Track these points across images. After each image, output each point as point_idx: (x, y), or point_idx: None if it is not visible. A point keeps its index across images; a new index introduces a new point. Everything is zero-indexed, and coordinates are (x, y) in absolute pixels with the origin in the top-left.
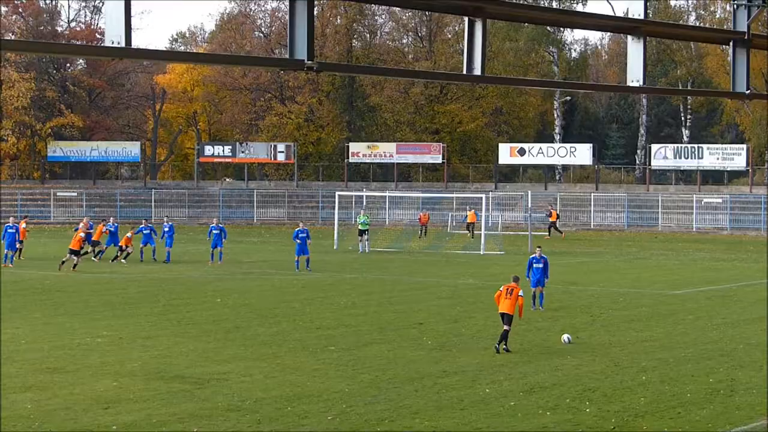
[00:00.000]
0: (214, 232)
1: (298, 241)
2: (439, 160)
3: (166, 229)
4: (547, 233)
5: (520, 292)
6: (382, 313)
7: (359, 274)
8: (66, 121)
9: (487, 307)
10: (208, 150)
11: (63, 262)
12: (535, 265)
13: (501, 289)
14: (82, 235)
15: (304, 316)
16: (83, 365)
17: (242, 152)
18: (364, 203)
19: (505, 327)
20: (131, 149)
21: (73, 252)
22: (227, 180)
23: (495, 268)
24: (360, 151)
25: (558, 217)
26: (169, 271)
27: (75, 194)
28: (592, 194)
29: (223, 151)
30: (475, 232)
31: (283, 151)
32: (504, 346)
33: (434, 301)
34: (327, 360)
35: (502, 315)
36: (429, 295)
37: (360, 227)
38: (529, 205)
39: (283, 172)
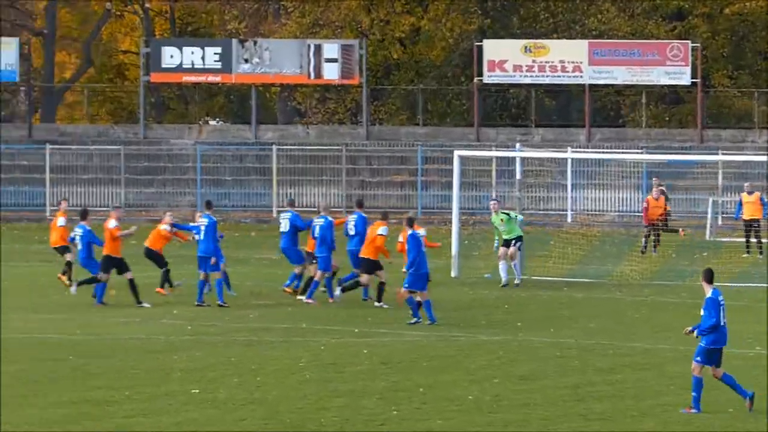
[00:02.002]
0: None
1: None
2: (685, 80)
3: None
4: None
5: None
6: None
7: (509, 333)
8: None
9: None
10: (169, 55)
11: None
12: None
13: None
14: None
15: None
16: None
17: (244, 59)
18: (518, 178)
19: None
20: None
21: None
22: (210, 122)
23: None
24: (504, 59)
25: None
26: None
27: None
28: None
29: (203, 57)
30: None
31: (335, 59)
32: None
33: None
34: None
35: None
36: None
37: (505, 235)
38: None
39: (331, 106)
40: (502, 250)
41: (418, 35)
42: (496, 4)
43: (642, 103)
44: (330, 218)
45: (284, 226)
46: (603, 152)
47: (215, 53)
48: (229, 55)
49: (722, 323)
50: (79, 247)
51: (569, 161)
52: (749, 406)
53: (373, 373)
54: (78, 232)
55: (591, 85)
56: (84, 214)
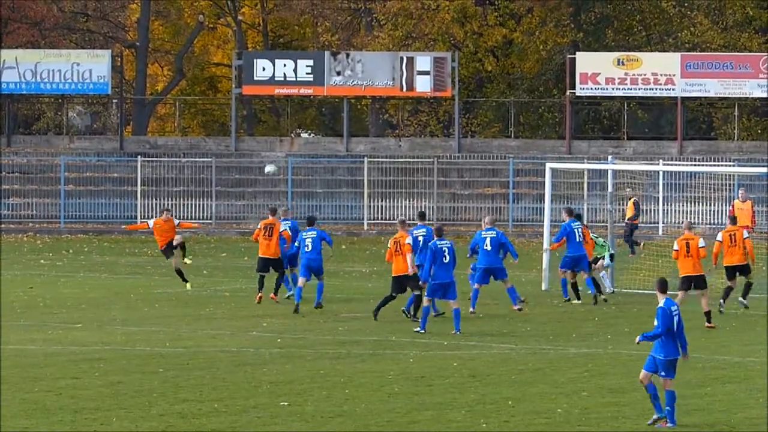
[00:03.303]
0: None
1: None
2: None
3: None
4: None
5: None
6: None
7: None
8: None
9: None
10: (261, 68)
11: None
12: None
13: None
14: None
15: None
16: None
17: (336, 72)
18: (610, 191)
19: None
20: (92, 67)
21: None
22: (302, 134)
23: None
24: (596, 72)
25: None
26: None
27: None
28: None
29: (296, 69)
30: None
31: (427, 71)
32: None
33: None
34: None
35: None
36: None
37: (602, 250)
38: None
39: (423, 118)
40: (599, 263)
41: (510, 48)
42: (589, 17)
43: (734, 116)
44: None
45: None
46: (695, 165)
47: (307, 66)
48: (321, 67)
49: (675, 333)
50: (309, 249)
51: (661, 174)
52: (660, 423)
53: (461, 386)
54: (310, 234)
55: (683, 98)
56: (311, 221)
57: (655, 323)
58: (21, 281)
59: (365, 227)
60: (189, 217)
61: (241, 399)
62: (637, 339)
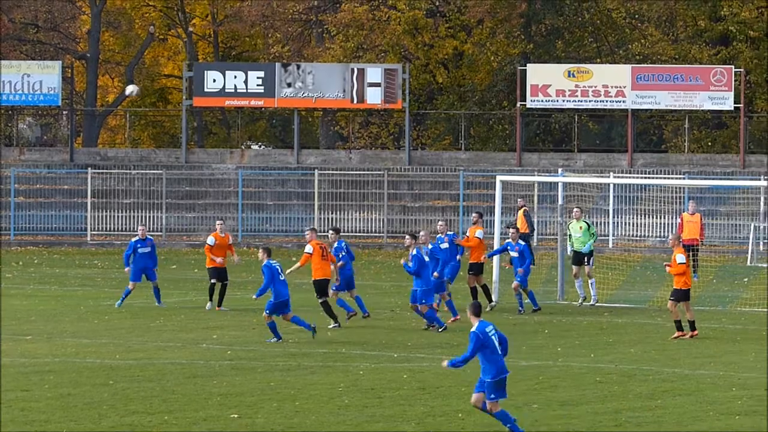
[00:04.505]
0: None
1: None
2: (728, 105)
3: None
4: None
5: None
6: None
7: (549, 358)
8: None
9: None
10: (212, 79)
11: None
12: None
13: None
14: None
15: None
16: None
17: (287, 83)
18: (560, 204)
19: None
20: (42, 78)
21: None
22: (253, 146)
23: None
24: (547, 83)
25: None
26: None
27: None
28: None
29: (246, 81)
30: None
31: (378, 83)
32: None
33: None
34: None
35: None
36: None
37: (577, 246)
38: None
39: (373, 130)
40: (575, 268)
41: (461, 59)
42: (540, 29)
43: (685, 128)
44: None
45: None
46: (645, 177)
47: (258, 77)
48: (272, 79)
49: (498, 353)
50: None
51: (611, 186)
52: None
53: (411, 398)
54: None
55: (634, 110)
56: (337, 231)
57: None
58: None
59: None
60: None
61: (191, 411)
62: (444, 364)
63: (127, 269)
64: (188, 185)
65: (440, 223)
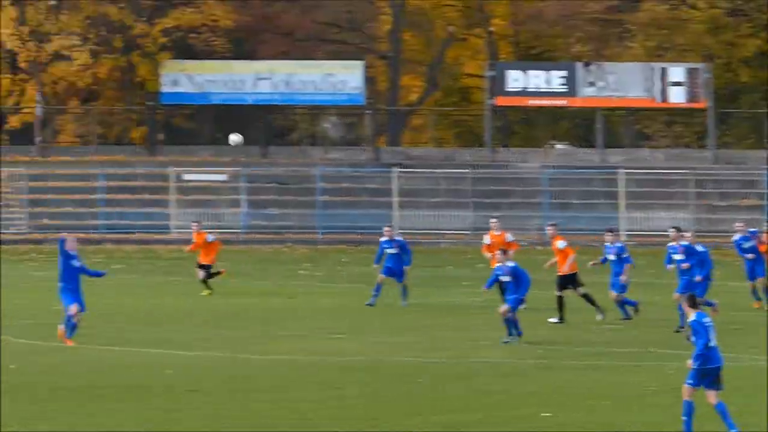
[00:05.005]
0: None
1: None
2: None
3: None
4: None
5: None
6: None
7: None
8: (194, 17)
9: None
10: (514, 79)
11: None
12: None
13: None
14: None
15: None
16: None
17: (589, 82)
18: None
19: None
20: (345, 79)
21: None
22: (556, 145)
23: None
24: None
25: None
26: None
27: (223, 177)
28: None
29: (548, 80)
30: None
31: (680, 82)
32: None
33: None
34: None
35: None
36: None
37: None
38: None
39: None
40: None
41: (765, 58)
42: None
43: None
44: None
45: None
46: None
47: (560, 76)
48: (573, 78)
49: (712, 344)
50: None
51: None
52: None
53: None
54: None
55: None
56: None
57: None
58: (280, 291)
59: (623, 238)
60: (443, 229)
61: (503, 410)
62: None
63: (375, 266)
64: (493, 184)
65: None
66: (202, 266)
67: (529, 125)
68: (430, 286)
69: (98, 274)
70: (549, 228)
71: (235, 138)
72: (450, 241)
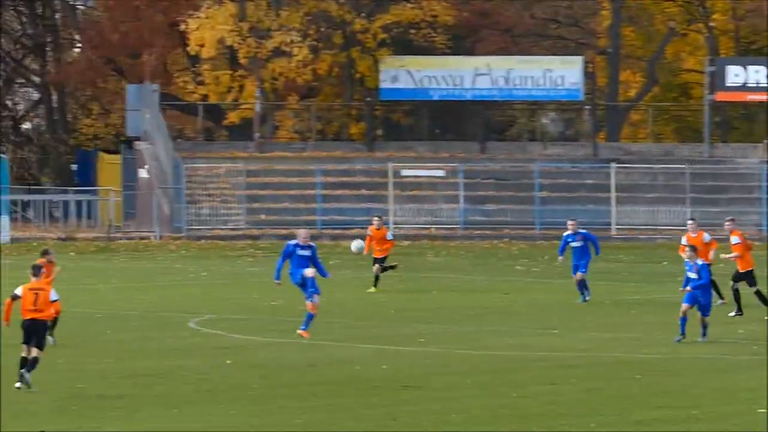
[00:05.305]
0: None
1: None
2: None
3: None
4: None
5: None
6: None
7: None
8: (414, 14)
9: None
10: (734, 74)
11: None
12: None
13: None
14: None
15: None
16: None
17: None
18: None
19: None
20: (564, 74)
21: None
22: None
23: None
24: None
25: None
26: None
27: (441, 173)
28: None
29: None
30: None
31: None
32: None
33: None
34: None
35: None
36: None
37: None
38: None
39: None
40: None
41: None
42: None
43: None
44: None
45: None
46: None
47: None
48: None
49: None
50: None
51: None
52: None
53: None
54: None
55: None
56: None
57: None
58: (496, 286)
59: None
60: (663, 225)
61: (717, 405)
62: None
63: (561, 258)
64: (712, 180)
65: None
66: (377, 260)
67: (749, 120)
68: (646, 282)
69: (324, 275)
70: (727, 223)
71: (356, 245)
72: (666, 237)
